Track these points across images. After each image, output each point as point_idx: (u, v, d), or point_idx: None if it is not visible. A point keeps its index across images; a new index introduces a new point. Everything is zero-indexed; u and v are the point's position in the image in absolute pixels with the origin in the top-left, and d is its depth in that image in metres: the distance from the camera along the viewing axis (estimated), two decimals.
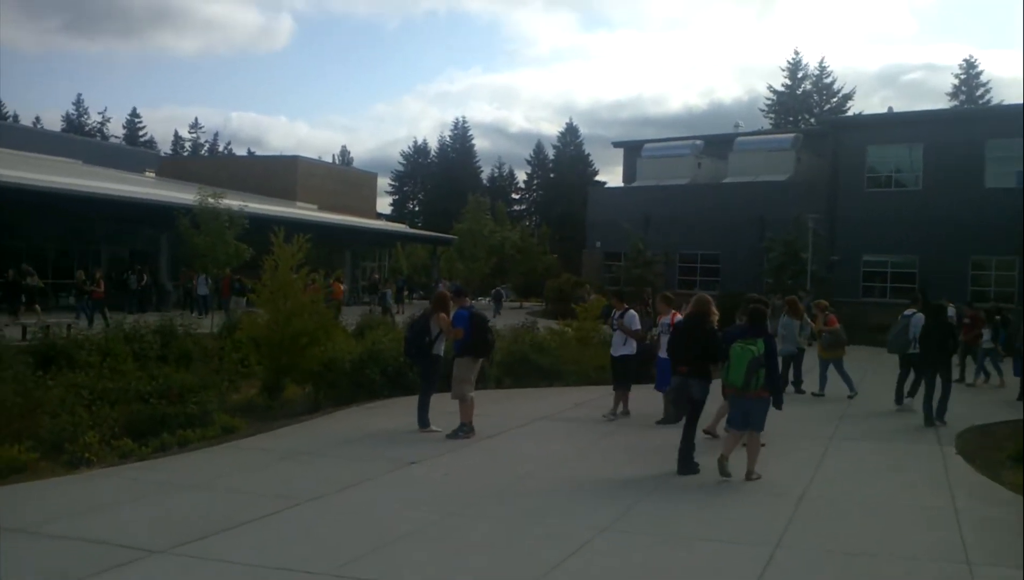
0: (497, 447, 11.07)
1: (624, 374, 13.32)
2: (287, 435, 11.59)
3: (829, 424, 13.44)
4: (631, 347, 13.31)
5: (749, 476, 9.27)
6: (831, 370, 16.81)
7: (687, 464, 9.49)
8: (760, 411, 9.28)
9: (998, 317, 20.30)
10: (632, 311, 13.47)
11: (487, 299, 47.15)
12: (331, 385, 14.45)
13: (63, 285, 34.04)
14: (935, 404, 13.49)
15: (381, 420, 12.68)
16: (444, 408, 11.92)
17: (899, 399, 15.36)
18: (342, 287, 34.81)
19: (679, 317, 12.13)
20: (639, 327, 13.46)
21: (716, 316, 10.55)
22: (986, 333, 19.31)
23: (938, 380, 13.76)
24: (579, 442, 11.53)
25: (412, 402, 12.29)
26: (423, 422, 11.72)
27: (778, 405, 9.49)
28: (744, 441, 9.45)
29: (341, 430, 11.93)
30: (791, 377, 16.77)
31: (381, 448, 10.68)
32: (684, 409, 9.90)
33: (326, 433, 11.73)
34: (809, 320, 17.71)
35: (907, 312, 15.70)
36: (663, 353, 12.23)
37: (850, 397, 16.20)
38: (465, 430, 11.37)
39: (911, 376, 15.27)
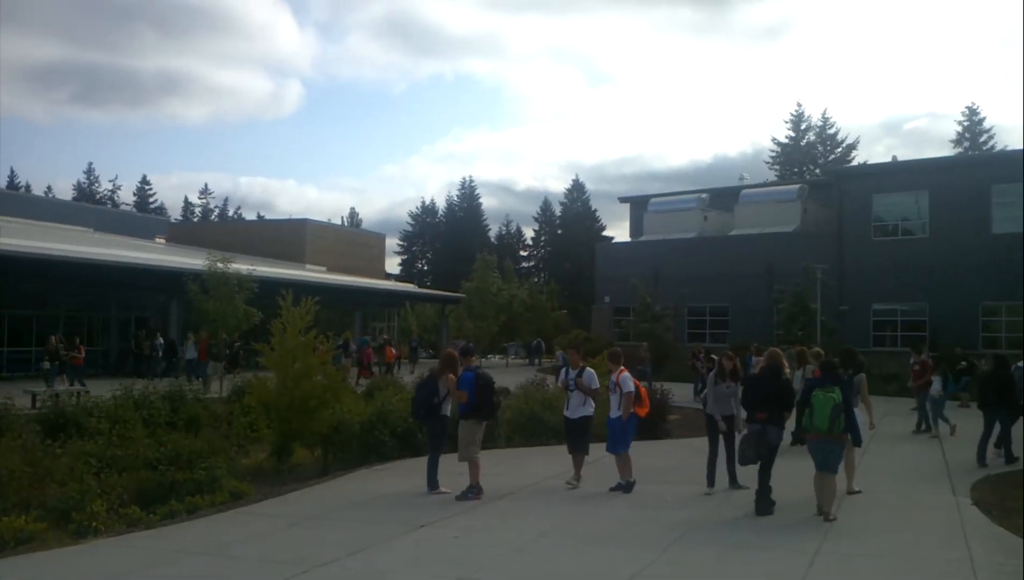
0: (507, 508, 10.97)
1: (583, 437, 12.32)
2: (296, 500, 11.52)
3: (843, 470, 13.28)
4: (590, 408, 12.26)
5: (826, 516, 10.02)
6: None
7: (764, 505, 10.40)
8: (838, 453, 10.22)
9: (963, 363, 20.15)
10: (590, 369, 12.34)
11: (498, 356, 47.05)
12: (340, 447, 14.41)
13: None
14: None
15: (391, 482, 12.59)
16: (453, 469, 11.85)
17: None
18: (393, 351, 34.54)
19: (626, 374, 11.81)
20: (598, 386, 12.31)
21: (787, 369, 11.62)
22: (936, 381, 18.46)
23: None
24: (590, 502, 11.41)
25: (421, 463, 12.22)
26: (432, 484, 11.65)
27: (858, 443, 11.05)
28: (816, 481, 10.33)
29: (350, 493, 11.85)
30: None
31: (391, 511, 10.60)
32: (761, 454, 10.55)
33: (336, 496, 11.65)
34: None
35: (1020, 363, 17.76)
36: (613, 413, 11.85)
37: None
38: (474, 491, 11.29)
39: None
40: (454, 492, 11.36)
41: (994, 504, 11.00)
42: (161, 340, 32.79)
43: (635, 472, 12.02)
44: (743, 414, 11.28)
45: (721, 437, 12.10)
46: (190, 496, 10.84)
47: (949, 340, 33.07)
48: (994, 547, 8.95)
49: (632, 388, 11.67)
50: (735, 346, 21.01)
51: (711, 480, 11.89)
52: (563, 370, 12.95)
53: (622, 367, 11.97)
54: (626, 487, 11.74)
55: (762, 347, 21.85)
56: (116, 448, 12.39)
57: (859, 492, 11.59)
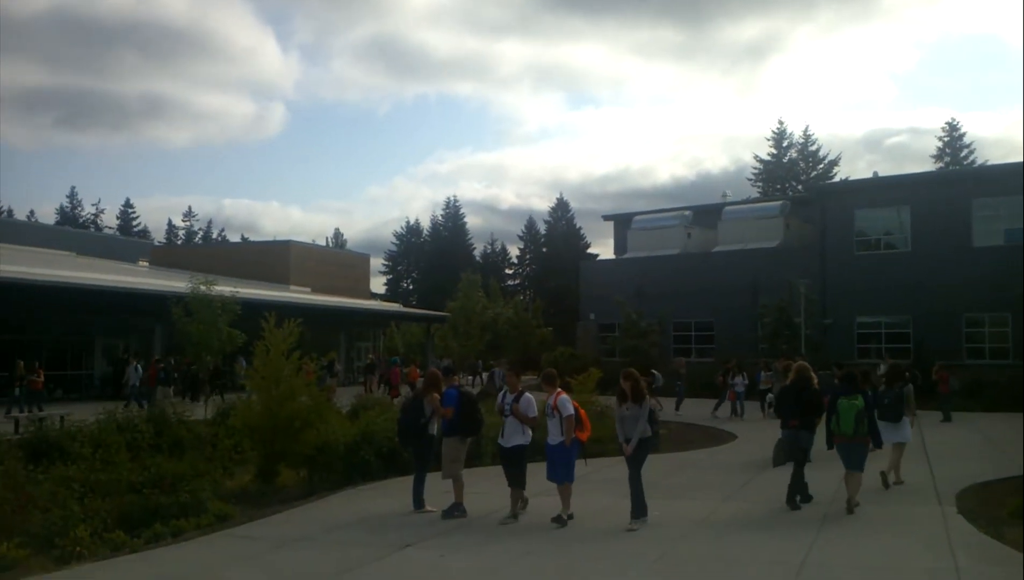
0: (493, 525, 10.95)
1: (519, 468, 11.17)
2: (281, 521, 11.46)
3: (830, 486, 13.32)
4: (527, 436, 11.16)
5: (850, 506, 11.21)
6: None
7: (797, 498, 11.74)
8: (862, 453, 11.38)
9: (907, 374, 19.46)
10: (529, 395, 11.18)
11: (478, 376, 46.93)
12: (325, 468, 14.33)
13: (58, 377, 33.98)
14: None
15: (376, 502, 12.55)
16: (438, 487, 11.81)
17: None
18: (418, 372, 34.29)
19: (564, 396, 10.94)
20: (535, 414, 11.11)
21: (815, 380, 12.37)
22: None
23: None
24: (577, 518, 11.38)
25: (407, 483, 12.19)
26: (418, 503, 11.63)
27: (878, 445, 11.89)
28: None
29: (336, 514, 11.80)
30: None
31: (377, 531, 10.57)
32: (794, 456, 12.00)
33: (321, 518, 11.59)
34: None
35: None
36: (552, 439, 10.89)
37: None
38: (460, 509, 11.27)
39: None
40: (440, 510, 11.34)
41: (980, 513, 11.05)
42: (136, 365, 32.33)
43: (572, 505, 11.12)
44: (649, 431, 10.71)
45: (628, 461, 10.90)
46: (175, 519, 10.77)
47: (931, 352, 33.32)
48: (980, 556, 8.98)
49: (573, 411, 10.78)
50: (723, 359, 20.95)
51: (638, 512, 10.77)
52: (501, 393, 11.81)
53: (559, 390, 11.04)
54: (561, 521, 10.78)
55: (772, 361, 22.05)
56: (99, 472, 12.29)
57: (902, 483, 13.09)
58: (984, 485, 13.30)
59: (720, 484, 14.06)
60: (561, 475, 10.95)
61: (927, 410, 23.66)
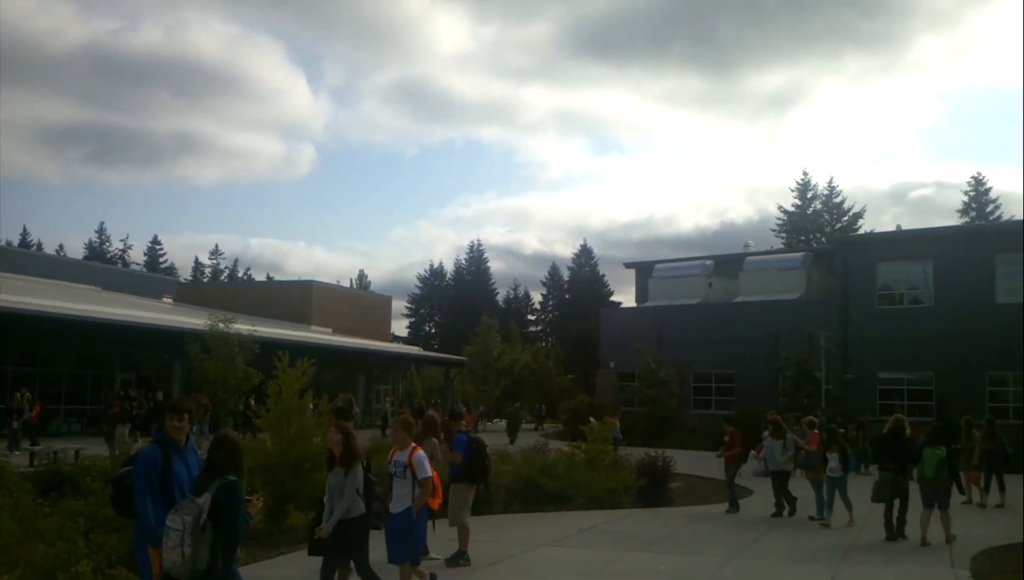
0: (497, 574, 10.86)
1: (413, 537, 9.03)
2: (287, 563, 11.42)
3: (840, 544, 13.14)
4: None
5: (948, 540, 13.01)
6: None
7: (893, 534, 13.55)
8: (946, 495, 13.26)
9: (842, 430, 18.09)
10: (422, 452, 9.16)
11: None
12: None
13: (77, 411, 34.21)
14: None
15: (383, 546, 12.45)
16: (444, 535, 11.72)
17: None
18: (471, 415, 33.72)
19: (420, 453, 9.00)
20: (429, 474, 8.96)
21: (909, 429, 14.43)
22: (832, 458, 15.58)
23: None
24: (582, 570, 11.28)
25: None
26: (422, 550, 11.51)
27: (960, 490, 14.41)
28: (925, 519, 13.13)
29: None
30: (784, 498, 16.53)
31: (385, 575, 10.48)
32: (886, 496, 13.68)
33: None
34: (794, 439, 17.17)
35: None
36: (396, 507, 8.81)
37: (812, 518, 15.70)
38: (464, 557, 11.16)
39: None
40: (444, 557, 11.25)
41: (993, 577, 10.84)
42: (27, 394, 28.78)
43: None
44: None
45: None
46: None
47: (955, 410, 32.84)
48: None
49: (430, 473, 8.92)
50: (730, 419, 20.55)
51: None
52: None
53: (413, 444, 9.13)
54: None
55: (797, 416, 21.85)
56: (107, 507, 12.28)
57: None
58: (1000, 549, 13.05)
59: (728, 540, 13.83)
60: (403, 552, 8.91)
61: None
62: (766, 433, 17.89)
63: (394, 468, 8.90)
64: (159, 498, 6.35)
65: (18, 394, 26.22)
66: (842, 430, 18.42)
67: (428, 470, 8.87)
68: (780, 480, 16.53)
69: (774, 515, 16.31)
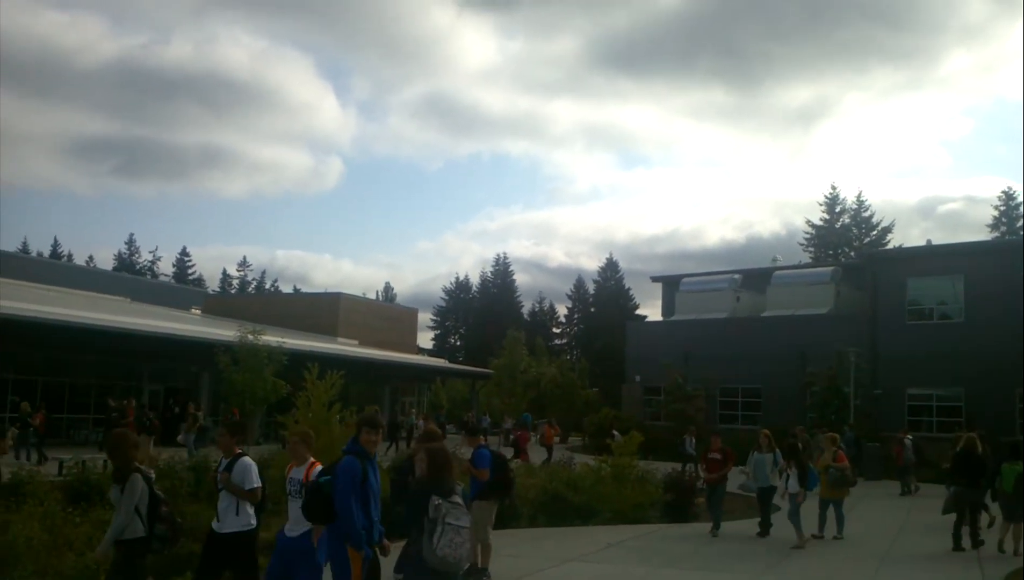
0: None
1: (248, 564, 8.14)
2: None
3: (871, 561, 12.99)
4: (247, 518, 8.08)
5: (1017, 552, 13.42)
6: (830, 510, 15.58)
7: (974, 542, 14.26)
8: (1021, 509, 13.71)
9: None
10: (247, 459, 8.21)
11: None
12: None
13: (105, 420, 34.39)
14: None
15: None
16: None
17: None
18: (552, 431, 33.25)
19: (319, 467, 7.92)
20: (258, 483, 8.05)
21: (980, 447, 14.96)
22: (792, 477, 14.97)
23: None
24: None
25: None
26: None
27: None
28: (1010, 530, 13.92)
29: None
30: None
31: None
32: (959, 507, 14.57)
33: None
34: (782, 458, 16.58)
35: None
36: (292, 528, 7.83)
37: (836, 538, 15.25)
38: (486, 575, 10.98)
39: None
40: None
41: None
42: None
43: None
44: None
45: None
46: None
47: (985, 426, 32.39)
48: None
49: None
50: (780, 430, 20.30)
51: None
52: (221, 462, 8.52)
53: (312, 459, 8.21)
54: None
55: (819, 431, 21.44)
56: None
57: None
58: None
59: (756, 557, 13.68)
60: None
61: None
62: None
63: (289, 486, 8.03)
64: (359, 505, 6.77)
65: (26, 403, 26.52)
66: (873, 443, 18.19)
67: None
68: (767, 496, 15.76)
69: (760, 535, 15.61)
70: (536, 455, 29.66)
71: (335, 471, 6.84)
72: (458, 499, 6.21)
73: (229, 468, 8.10)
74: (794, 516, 14.59)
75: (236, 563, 8.03)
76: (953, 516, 14.79)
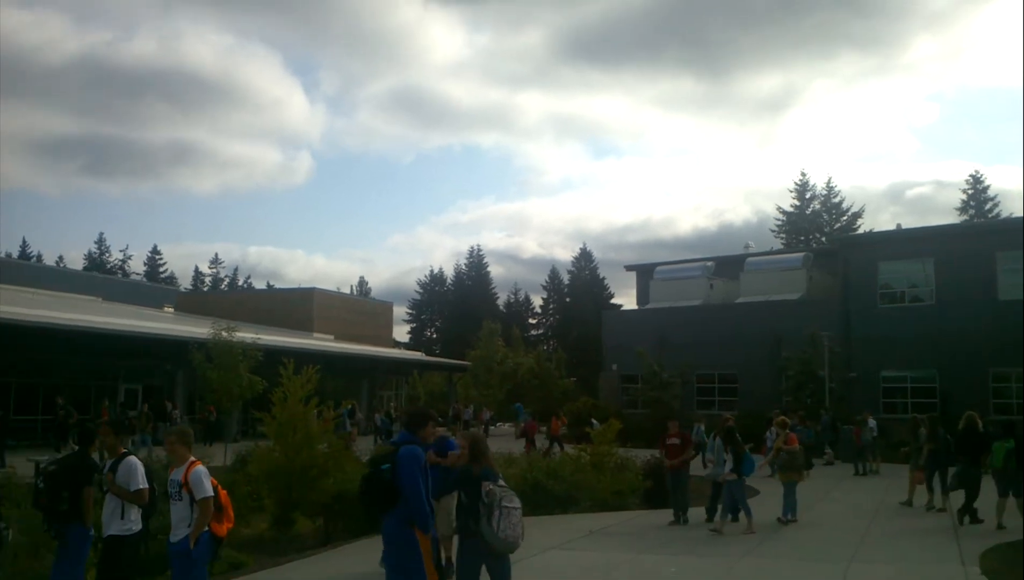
0: None
1: (121, 572, 7.77)
2: (294, 570, 11.40)
3: (850, 542, 13.12)
4: (130, 521, 7.80)
5: (1000, 526, 14.00)
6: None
7: (972, 517, 14.65)
8: (1015, 484, 14.04)
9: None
10: (133, 458, 7.96)
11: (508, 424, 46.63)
12: (342, 517, 14.23)
13: (79, 422, 34.10)
14: None
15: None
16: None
17: None
18: (559, 423, 33.25)
19: (200, 468, 7.57)
20: (144, 485, 7.82)
21: (980, 426, 15.57)
22: (728, 460, 14.59)
23: None
24: (592, 573, 11.26)
25: None
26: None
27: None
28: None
29: (350, 564, 11.72)
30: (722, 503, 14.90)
31: None
32: (965, 485, 14.96)
33: (335, 568, 11.54)
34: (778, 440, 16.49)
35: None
36: (175, 534, 7.54)
37: (780, 521, 15.03)
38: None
39: None
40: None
41: (1004, 573, 10.81)
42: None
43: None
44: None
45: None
46: None
47: (959, 407, 32.77)
48: None
49: (211, 492, 7.56)
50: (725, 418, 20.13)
51: None
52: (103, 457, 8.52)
53: (192, 459, 7.72)
54: None
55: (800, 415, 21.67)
56: None
57: (1004, 528, 14.03)
58: (1011, 545, 13.02)
59: (736, 540, 13.77)
60: None
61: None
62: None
63: (170, 488, 7.63)
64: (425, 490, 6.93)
65: None
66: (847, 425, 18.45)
67: (208, 489, 7.51)
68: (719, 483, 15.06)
69: (709, 520, 15.02)
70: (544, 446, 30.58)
71: (399, 458, 6.86)
72: (503, 482, 6.56)
73: (114, 469, 7.77)
74: (741, 502, 14.35)
75: (108, 569, 7.68)
76: (961, 494, 15.27)
